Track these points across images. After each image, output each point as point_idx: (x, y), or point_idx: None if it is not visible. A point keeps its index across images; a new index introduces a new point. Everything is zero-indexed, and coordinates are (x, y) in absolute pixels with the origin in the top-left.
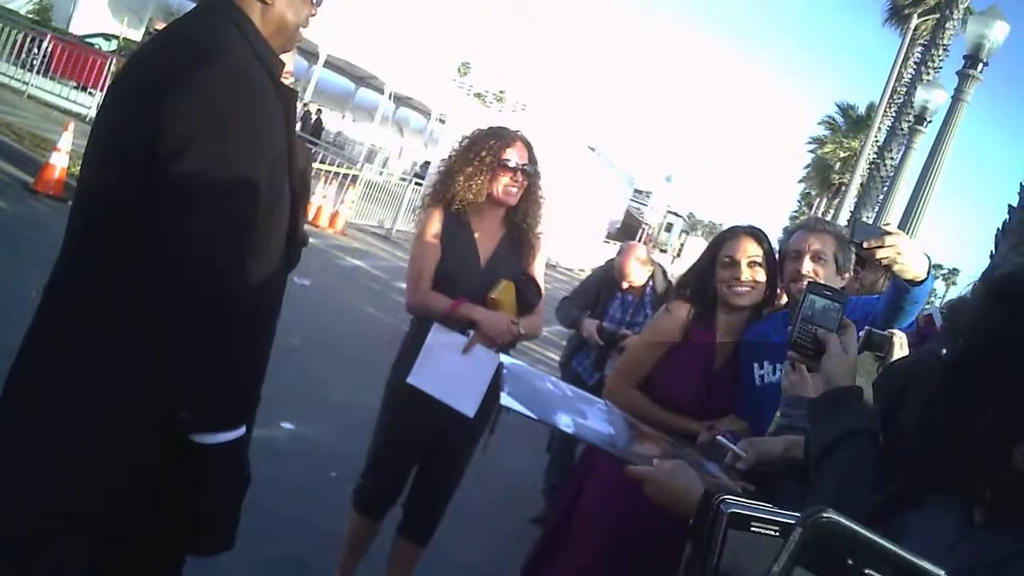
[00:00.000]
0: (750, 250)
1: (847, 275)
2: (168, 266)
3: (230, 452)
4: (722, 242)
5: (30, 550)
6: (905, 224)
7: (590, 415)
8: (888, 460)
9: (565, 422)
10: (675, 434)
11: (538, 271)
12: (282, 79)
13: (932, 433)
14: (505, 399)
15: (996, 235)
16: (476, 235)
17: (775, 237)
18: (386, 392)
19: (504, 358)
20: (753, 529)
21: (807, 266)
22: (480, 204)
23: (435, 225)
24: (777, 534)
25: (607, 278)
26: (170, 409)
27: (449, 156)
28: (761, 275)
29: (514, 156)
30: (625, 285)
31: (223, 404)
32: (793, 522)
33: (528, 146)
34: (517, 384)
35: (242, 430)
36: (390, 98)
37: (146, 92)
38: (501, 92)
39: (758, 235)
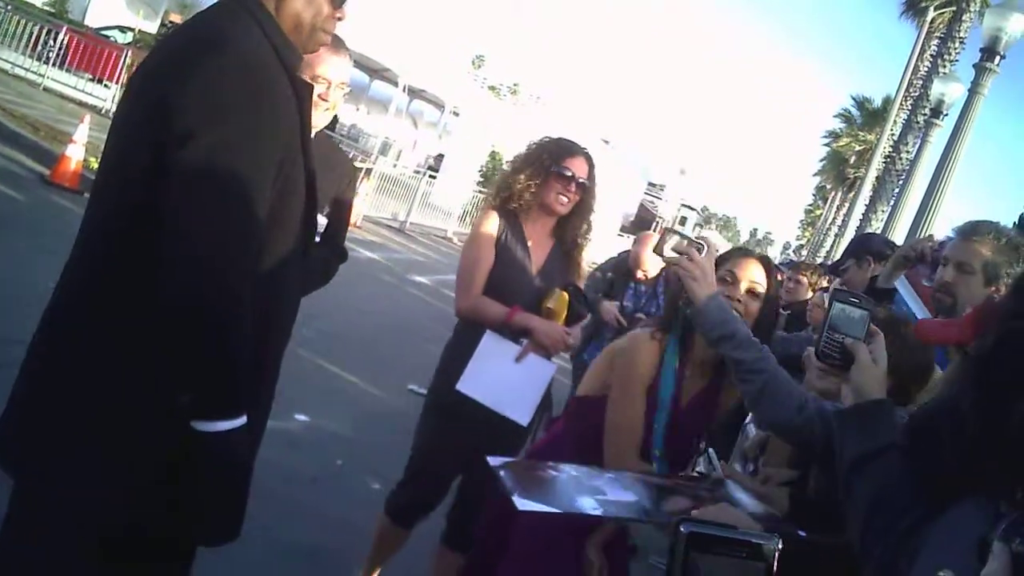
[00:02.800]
0: (755, 275)
1: (997, 289)
2: (167, 255)
3: (229, 441)
4: (728, 258)
5: (39, 545)
6: (920, 218)
7: (608, 489)
8: (920, 476)
9: (591, 506)
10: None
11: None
12: (339, 88)
13: (962, 432)
14: (521, 503)
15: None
16: (530, 243)
17: (792, 235)
18: (429, 399)
19: (492, 460)
20: (718, 553)
21: (947, 274)
22: (533, 210)
23: (491, 229)
24: (744, 556)
25: (621, 268)
26: (172, 397)
27: (513, 159)
28: (755, 307)
29: (574, 167)
30: (640, 275)
31: (222, 393)
32: (761, 542)
33: (590, 163)
34: (523, 483)
35: (242, 420)
36: (404, 91)
37: (156, 82)
38: (515, 85)
39: (768, 264)
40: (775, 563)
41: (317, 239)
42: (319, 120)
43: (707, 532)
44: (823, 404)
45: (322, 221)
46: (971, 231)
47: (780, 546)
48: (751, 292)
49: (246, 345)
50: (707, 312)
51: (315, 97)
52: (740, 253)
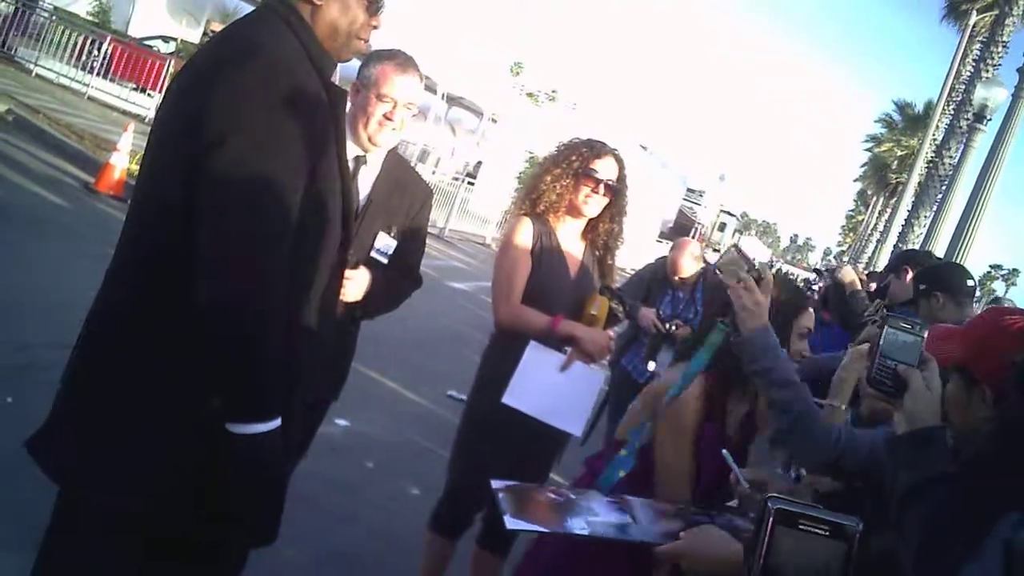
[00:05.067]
0: (808, 322)
1: None
2: (199, 259)
3: (263, 444)
4: (795, 310)
5: (84, 550)
6: (964, 224)
7: (600, 510)
8: (971, 504)
9: (579, 526)
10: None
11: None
12: (406, 108)
13: (1008, 442)
14: (510, 522)
15: None
16: (564, 248)
17: (833, 241)
18: (469, 413)
19: (495, 484)
20: (801, 527)
21: None
22: (562, 213)
23: (525, 236)
24: (828, 534)
25: (659, 274)
26: (207, 401)
27: (541, 160)
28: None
29: (602, 168)
30: (677, 280)
31: (254, 395)
32: (844, 522)
33: (620, 164)
34: (517, 503)
35: (276, 423)
36: (443, 98)
37: (190, 89)
38: (553, 92)
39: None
40: (855, 544)
41: (385, 261)
42: (386, 140)
43: (794, 509)
44: (854, 435)
45: (391, 243)
46: None
47: (861, 528)
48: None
49: (277, 348)
50: (752, 342)
51: (380, 117)
52: (804, 300)
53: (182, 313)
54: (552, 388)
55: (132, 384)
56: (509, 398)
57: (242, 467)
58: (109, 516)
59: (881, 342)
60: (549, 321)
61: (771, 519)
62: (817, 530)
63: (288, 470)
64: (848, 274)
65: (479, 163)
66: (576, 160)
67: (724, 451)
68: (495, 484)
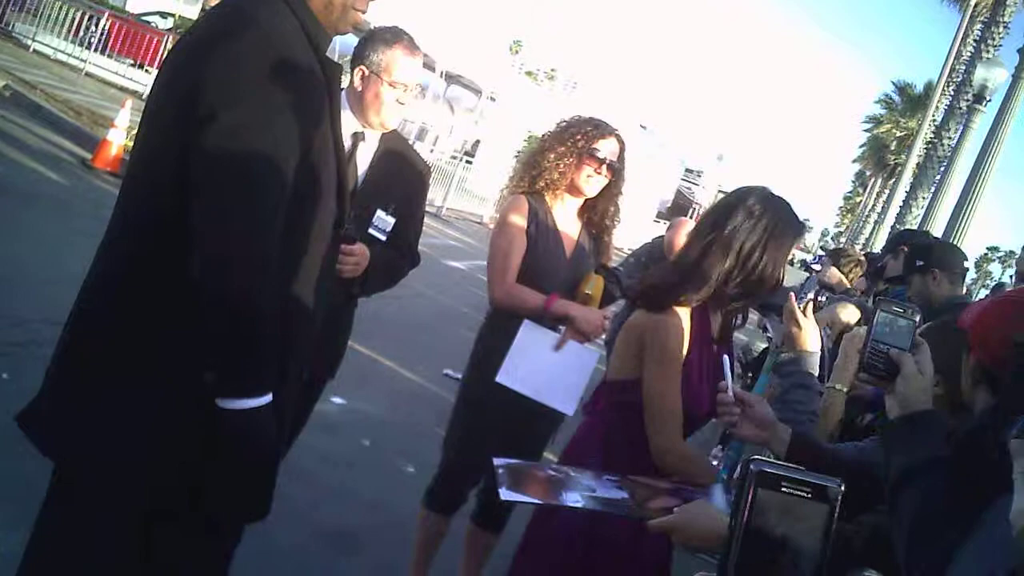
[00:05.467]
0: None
1: None
2: (192, 234)
3: (254, 419)
4: (798, 236)
5: (80, 525)
6: (961, 205)
7: (599, 487)
8: (966, 487)
9: (573, 499)
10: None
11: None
12: (408, 90)
13: (1005, 423)
14: (504, 494)
15: None
16: (560, 227)
17: (830, 221)
18: (464, 391)
19: (497, 460)
20: (784, 490)
21: None
22: (562, 192)
23: (521, 215)
24: (809, 496)
25: (655, 253)
26: (198, 373)
27: (542, 137)
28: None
29: (605, 148)
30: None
31: (246, 370)
32: (826, 484)
33: (622, 144)
34: (514, 478)
35: (267, 398)
36: (441, 76)
37: (182, 65)
38: (552, 71)
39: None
40: (837, 506)
41: (383, 239)
42: (391, 120)
43: (775, 471)
44: (837, 447)
45: (390, 221)
46: None
47: (843, 489)
48: None
49: (271, 323)
50: (801, 362)
51: (394, 102)
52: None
53: (173, 288)
54: (546, 367)
55: (123, 358)
56: (503, 376)
57: (233, 442)
58: (103, 490)
59: (873, 326)
60: (544, 300)
61: (753, 481)
62: (799, 492)
63: (283, 447)
64: (834, 275)
65: (477, 142)
66: (581, 139)
67: (724, 357)
68: (496, 460)
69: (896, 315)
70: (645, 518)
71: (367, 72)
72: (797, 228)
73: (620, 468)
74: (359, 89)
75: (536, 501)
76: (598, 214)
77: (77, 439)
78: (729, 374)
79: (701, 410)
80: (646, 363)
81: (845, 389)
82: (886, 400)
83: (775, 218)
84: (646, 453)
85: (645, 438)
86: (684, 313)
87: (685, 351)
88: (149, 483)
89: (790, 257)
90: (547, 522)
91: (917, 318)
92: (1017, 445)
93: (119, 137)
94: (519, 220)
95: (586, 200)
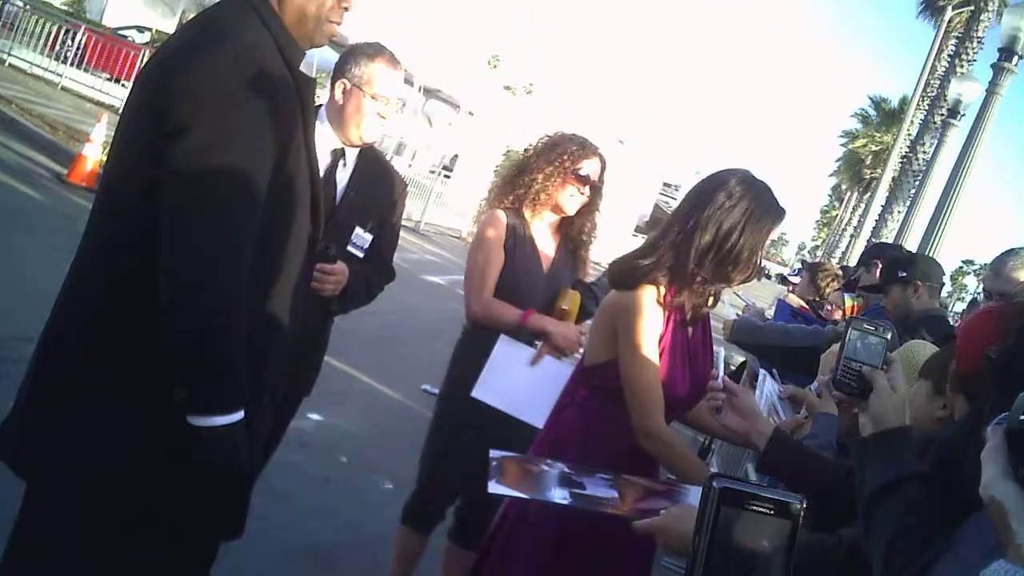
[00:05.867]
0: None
1: None
2: (162, 254)
3: (226, 437)
4: (777, 220)
5: (51, 538)
6: (937, 219)
7: (589, 485)
8: (943, 504)
9: (559, 495)
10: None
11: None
12: (396, 103)
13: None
14: (492, 487)
15: None
16: (537, 243)
17: (807, 235)
18: (441, 407)
19: (493, 453)
20: (746, 507)
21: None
22: (543, 209)
23: (498, 230)
24: (772, 513)
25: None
26: (170, 390)
27: (527, 154)
28: None
29: (589, 168)
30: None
31: (217, 387)
32: (788, 500)
33: (603, 163)
34: (507, 472)
35: (239, 415)
36: (420, 91)
37: (153, 79)
38: (530, 85)
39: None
40: (800, 522)
41: (361, 255)
42: (371, 134)
43: (738, 488)
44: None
45: (368, 237)
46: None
47: (804, 506)
48: None
49: (240, 339)
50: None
51: (375, 116)
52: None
53: (146, 306)
54: (521, 382)
55: (98, 374)
56: (478, 391)
57: (205, 459)
58: (78, 505)
59: (845, 344)
60: (520, 315)
61: (716, 498)
62: (762, 509)
63: (258, 465)
64: (794, 300)
65: (455, 156)
66: (568, 159)
67: (719, 349)
68: (492, 452)
69: (867, 332)
70: (631, 519)
71: (348, 85)
72: (777, 212)
73: (598, 456)
74: (340, 103)
75: (522, 496)
76: (575, 229)
77: (53, 455)
78: (721, 364)
79: (679, 393)
80: (621, 343)
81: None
82: (859, 417)
83: (755, 201)
84: (623, 439)
85: (623, 423)
86: (654, 291)
87: (659, 330)
88: (127, 496)
89: (767, 271)
90: (519, 527)
91: (888, 336)
92: (992, 429)
93: (95, 152)
94: (496, 235)
95: (564, 216)
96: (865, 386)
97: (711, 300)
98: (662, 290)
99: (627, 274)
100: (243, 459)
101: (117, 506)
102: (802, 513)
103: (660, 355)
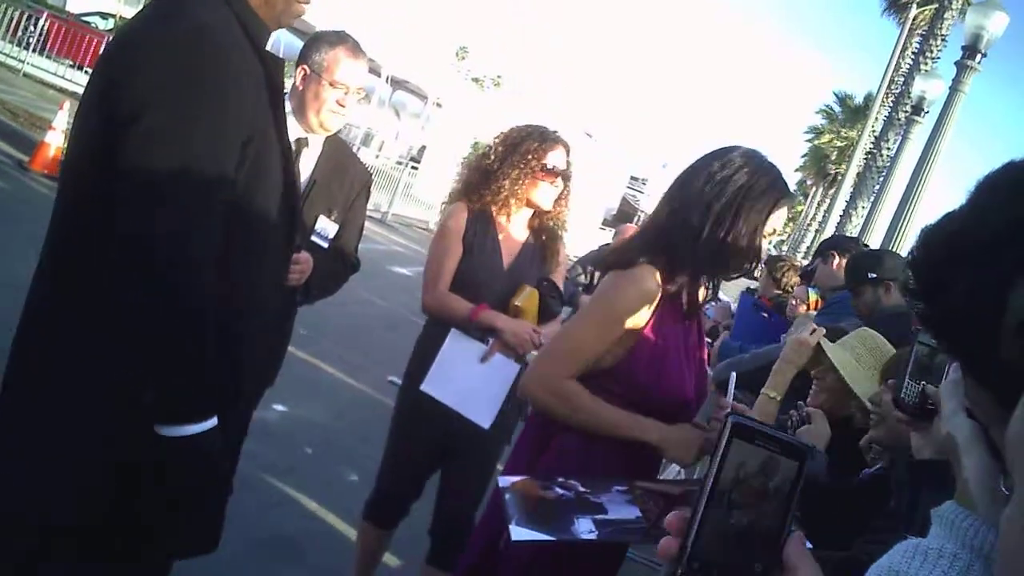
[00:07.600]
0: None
1: None
2: (118, 251)
3: (200, 445)
4: (779, 200)
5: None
6: (900, 215)
7: (609, 506)
8: None
9: (584, 529)
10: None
11: (559, 278)
12: (356, 93)
13: None
14: (516, 532)
15: None
16: (500, 236)
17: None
18: (400, 399)
19: (503, 480)
20: (757, 443)
21: None
22: (518, 207)
23: (460, 222)
24: (779, 452)
25: (600, 262)
26: (140, 399)
27: (488, 155)
28: None
29: (556, 160)
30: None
31: (188, 394)
32: (795, 443)
33: (567, 149)
34: (523, 505)
35: (212, 422)
36: (387, 81)
37: (110, 62)
38: (498, 77)
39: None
40: (804, 467)
41: (326, 246)
42: (332, 124)
43: (750, 424)
44: None
45: (332, 227)
46: None
47: (812, 455)
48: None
49: (210, 342)
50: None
51: (334, 103)
52: (791, 197)
53: (108, 305)
54: (470, 378)
55: (57, 378)
56: (427, 385)
57: (176, 470)
58: (40, 525)
59: (911, 360)
60: (471, 309)
61: (729, 432)
62: (770, 448)
63: (229, 469)
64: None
65: (423, 147)
66: (532, 157)
67: (733, 374)
68: (502, 482)
69: (935, 348)
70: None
71: (308, 71)
72: (780, 190)
73: (600, 454)
74: (300, 89)
75: (548, 538)
76: (546, 221)
77: (9, 474)
78: (732, 390)
79: (688, 394)
80: (592, 299)
81: (779, 397)
82: (915, 438)
83: (753, 178)
84: (597, 449)
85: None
86: (652, 270)
87: (648, 318)
88: (86, 518)
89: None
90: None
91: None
92: (954, 365)
93: (57, 139)
94: (456, 227)
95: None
96: (927, 405)
97: (709, 291)
98: (659, 272)
99: (622, 254)
100: (217, 468)
101: (79, 524)
102: (806, 457)
103: (663, 356)
